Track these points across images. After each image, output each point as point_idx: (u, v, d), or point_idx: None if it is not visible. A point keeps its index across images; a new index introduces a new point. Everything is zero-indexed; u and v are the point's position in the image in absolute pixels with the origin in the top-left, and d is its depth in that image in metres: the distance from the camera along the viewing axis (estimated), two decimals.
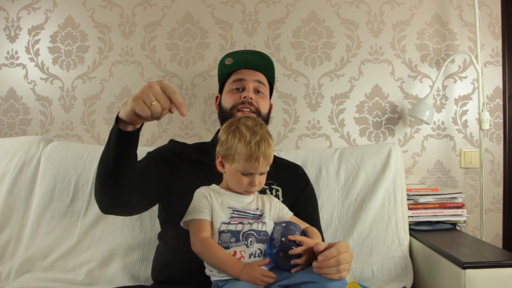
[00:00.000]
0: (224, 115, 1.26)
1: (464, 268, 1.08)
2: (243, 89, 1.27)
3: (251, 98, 1.23)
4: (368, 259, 1.35)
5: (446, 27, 1.80)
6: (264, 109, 1.28)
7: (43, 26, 1.84)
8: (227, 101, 1.27)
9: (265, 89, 1.32)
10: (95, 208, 1.39)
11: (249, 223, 0.93)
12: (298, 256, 0.86)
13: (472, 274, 1.07)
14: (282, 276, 0.87)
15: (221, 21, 1.80)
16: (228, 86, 1.31)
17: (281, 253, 0.87)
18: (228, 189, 1.00)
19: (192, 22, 1.81)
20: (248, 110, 1.22)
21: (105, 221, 1.38)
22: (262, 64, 1.33)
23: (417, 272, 1.36)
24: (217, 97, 1.41)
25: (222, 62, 1.35)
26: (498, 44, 1.80)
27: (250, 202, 0.99)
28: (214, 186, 1.01)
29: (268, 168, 0.98)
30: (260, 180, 0.97)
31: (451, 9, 1.80)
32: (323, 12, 1.80)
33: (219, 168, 1.00)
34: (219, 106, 1.33)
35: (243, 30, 1.80)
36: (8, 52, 1.84)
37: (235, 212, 0.94)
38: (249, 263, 0.86)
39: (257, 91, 1.28)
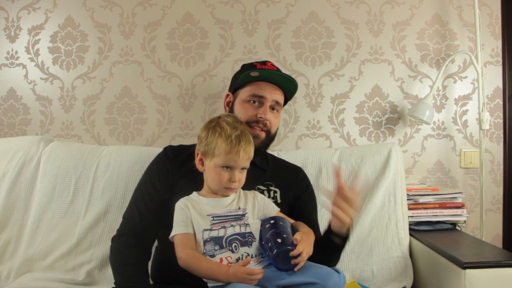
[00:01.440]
0: None
1: (464, 268, 1.08)
2: (260, 104, 1.20)
3: (266, 120, 1.19)
4: (368, 259, 1.35)
5: (446, 27, 1.80)
6: (274, 128, 1.23)
7: (43, 26, 1.84)
8: (242, 113, 1.20)
9: (280, 108, 1.26)
10: (95, 208, 1.39)
11: (232, 225, 0.93)
12: (297, 255, 0.86)
13: (472, 274, 1.07)
14: (281, 276, 0.87)
15: (221, 21, 1.80)
16: (245, 94, 1.22)
17: (281, 255, 0.86)
18: (209, 193, 1.00)
19: (192, 22, 1.81)
20: (260, 129, 1.18)
21: (105, 221, 1.38)
22: (286, 85, 1.24)
23: (417, 272, 1.36)
24: (227, 95, 1.32)
25: (247, 74, 1.23)
26: (498, 44, 1.80)
27: (230, 203, 0.99)
28: (193, 194, 1.01)
29: (248, 164, 0.99)
30: (240, 178, 0.98)
31: (451, 9, 1.80)
32: (323, 12, 1.80)
33: (199, 166, 1.01)
34: (230, 110, 1.26)
35: (243, 30, 1.80)
36: (8, 52, 1.84)
37: (215, 219, 0.94)
38: (234, 266, 0.87)
39: (272, 108, 1.22)
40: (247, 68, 1.28)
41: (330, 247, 1.05)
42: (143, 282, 0.98)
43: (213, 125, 1.00)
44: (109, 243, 1.28)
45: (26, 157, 1.48)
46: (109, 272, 1.30)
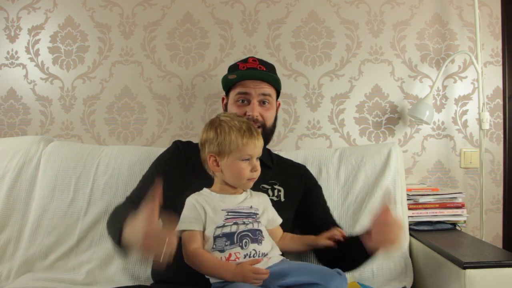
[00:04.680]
0: None
1: (464, 268, 1.08)
2: (248, 102, 1.23)
3: (256, 116, 1.21)
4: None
5: (446, 27, 1.80)
6: (269, 121, 1.25)
7: (43, 26, 1.84)
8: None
9: (272, 99, 1.26)
10: (95, 208, 1.39)
11: (244, 222, 0.94)
12: None
13: (472, 274, 1.07)
14: (284, 276, 0.87)
15: (221, 21, 1.80)
16: (233, 94, 1.26)
17: None
18: (221, 190, 1.00)
19: (192, 22, 1.81)
20: None
21: (105, 221, 1.38)
22: (267, 78, 1.25)
23: (417, 272, 1.36)
24: (223, 98, 1.35)
25: (226, 78, 1.28)
26: (498, 44, 1.80)
27: (242, 201, 0.99)
28: (204, 190, 1.01)
29: (261, 152, 1.00)
30: (259, 167, 0.99)
31: (451, 9, 1.80)
32: (323, 12, 1.80)
33: (214, 169, 0.99)
34: None
35: (243, 30, 1.80)
36: (8, 52, 1.84)
37: (229, 213, 0.94)
38: (240, 263, 0.87)
39: (262, 102, 1.24)
40: (231, 69, 1.31)
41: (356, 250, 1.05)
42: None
43: (217, 124, 0.99)
44: (109, 243, 1.28)
45: (26, 157, 1.48)
46: (109, 272, 1.30)
